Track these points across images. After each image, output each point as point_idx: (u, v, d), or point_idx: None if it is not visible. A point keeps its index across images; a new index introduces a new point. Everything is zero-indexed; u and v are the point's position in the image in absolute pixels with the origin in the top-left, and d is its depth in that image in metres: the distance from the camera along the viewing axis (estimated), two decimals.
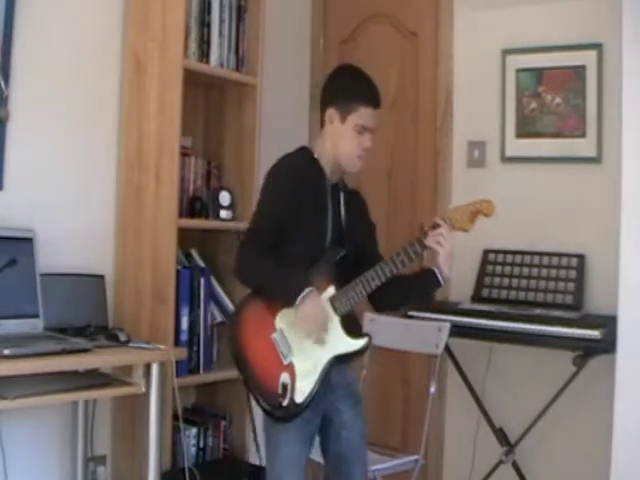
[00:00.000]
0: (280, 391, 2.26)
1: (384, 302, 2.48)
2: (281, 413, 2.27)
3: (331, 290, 2.35)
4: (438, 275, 2.36)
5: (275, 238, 2.31)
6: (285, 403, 2.26)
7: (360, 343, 2.36)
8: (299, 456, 2.33)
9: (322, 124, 2.44)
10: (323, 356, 2.32)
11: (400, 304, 2.57)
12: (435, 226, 2.34)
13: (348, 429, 2.40)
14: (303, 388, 2.28)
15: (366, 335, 2.39)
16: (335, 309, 2.34)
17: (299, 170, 2.37)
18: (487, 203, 2.36)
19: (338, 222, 2.42)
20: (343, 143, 2.38)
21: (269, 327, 2.31)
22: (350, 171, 2.45)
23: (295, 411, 2.27)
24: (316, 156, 2.42)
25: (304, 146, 2.48)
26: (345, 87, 2.40)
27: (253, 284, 2.36)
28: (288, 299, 2.26)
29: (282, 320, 2.31)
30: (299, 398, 2.27)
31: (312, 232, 2.36)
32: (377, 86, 2.42)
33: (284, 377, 2.27)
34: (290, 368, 2.29)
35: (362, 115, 2.36)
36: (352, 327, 2.38)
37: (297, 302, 2.23)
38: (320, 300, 2.29)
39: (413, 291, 2.48)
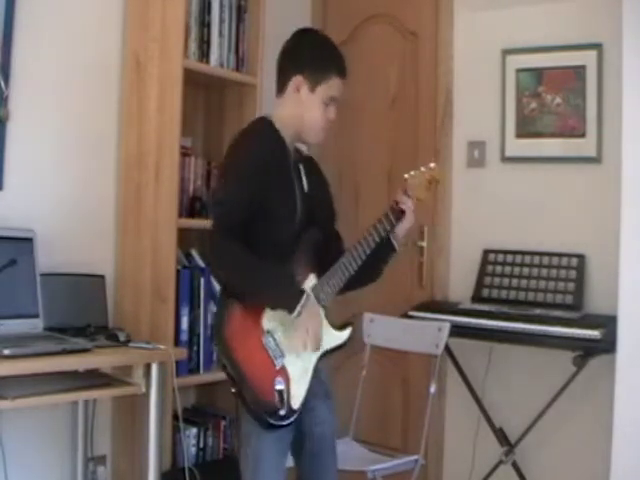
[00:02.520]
0: (277, 399, 2.14)
1: (348, 283, 2.33)
2: (278, 421, 2.15)
3: (312, 279, 2.26)
4: (394, 243, 2.35)
5: (245, 223, 2.14)
6: (283, 412, 2.14)
7: (345, 335, 2.32)
8: (281, 466, 2.25)
9: (280, 91, 2.32)
10: (313, 354, 2.24)
11: (360, 282, 2.39)
12: (397, 202, 2.32)
13: (321, 425, 2.32)
14: (298, 392, 2.19)
15: (349, 324, 2.34)
16: (319, 301, 2.24)
17: (265, 144, 2.23)
18: (436, 169, 2.37)
19: (304, 198, 2.31)
20: (309, 114, 2.27)
21: (257, 330, 2.16)
22: (311, 143, 2.37)
23: (291, 417, 2.18)
24: (278, 127, 2.27)
25: (264, 116, 2.32)
26: (316, 55, 2.29)
27: (234, 287, 2.17)
28: (282, 307, 2.15)
29: (269, 321, 2.18)
30: (295, 404, 2.18)
31: (283, 213, 2.23)
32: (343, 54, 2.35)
33: (278, 383, 2.15)
34: (283, 372, 2.17)
35: (333, 86, 2.27)
36: (330, 317, 2.30)
37: (295, 313, 2.13)
38: (318, 308, 2.21)
39: (372, 265, 2.35)
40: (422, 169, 2.38)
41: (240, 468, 2.26)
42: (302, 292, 2.16)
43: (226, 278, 2.21)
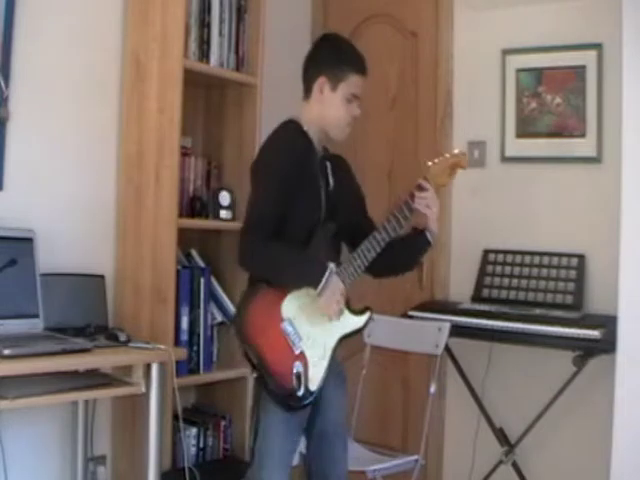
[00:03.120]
0: (295, 381, 2.27)
1: (379, 269, 2.48)
2: (296, 403, 2.28)
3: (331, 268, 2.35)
4: (428, 236, 2.44)
5: (279, 222, 2.29)
6: (301, 393, 2.27)
7: (363, 319, 2.42)
8: (290, 446, 2.36)
9: (307, 94, 2.46)
10: (331, 338, 2.36)
11: (395, 270, 2.59)
12: (420, 188, 2.38)
13: (332, 408, 2.43)
14: (316, 375, 2.31)
15: (367, 309, 2.43)
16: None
17: (292, 147, 2.36)
18: (463, 155, 2.46)
19: (329, 194, 2.44)
20: (333, 111, 2.41)
21: (276, 317, 2.29)
22: (337, 140, 2.48)
23: (309, 398, 2.30)
24: (305, 128, 2.42)
25: (292, 119, 2.45)
26: (335, 56, 2.42)
27: (263, 274, 2.32)
28: (308, 286, 2.29)
29: (288, 308, 2.31)
30: (313, 386, 2.30)
31: (308, 209, 2.36)
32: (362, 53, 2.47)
33: (297, 366, 2.28)
34: (302, 357, 2.30)
35: (353, 83, 2.40)
36: (350, 302, 2.41)
37: (320, 288, 2.26)
38: (339, 281, 2.31)
39: (405, 255, 2.50)
40: (447, 155, 2.46)
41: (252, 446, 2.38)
42: (325, 268, 2.29)
43: (258, 272, 2.35)
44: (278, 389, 2.26)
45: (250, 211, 2.35)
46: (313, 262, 2.32)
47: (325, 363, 2.33)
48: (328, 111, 2.41)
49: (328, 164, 2.48)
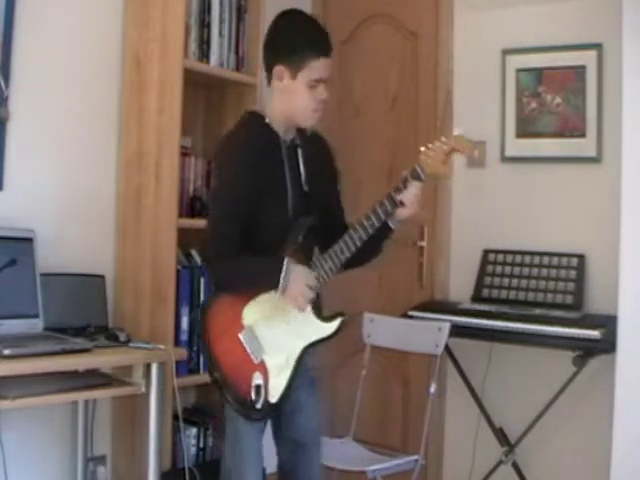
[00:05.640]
0: (253, 394, 2.17)
1: (349, 262, 2.27)
2: (255, 415, 2.20)
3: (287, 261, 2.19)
4: (390, 223, 2.25)
5: (242, 229, 2.16)
6: (259, 406, 2.17)
7: (334, 326, 2.24)
8: (259, 445, 2.28)
9: (269, 81, 2.27)
10: (296, 346, 2.23)
11: (358, 264, 2.34)
12: (409, 178, 2.17)
13: (303, 415, 2.33)
14: (277, 386, 2.20)
15: (340, 315, 2.26)
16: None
17: (252, 146, 2.20)
18: (462, 139, 2.20)
19: (299, 185, 2.27)
20: (297, 100, 2.21)
21: (236, 326, 2.19)
22: (306, 126, 2.30)
23: (269, 411, 2.22)
24: (267, 120, 2.25)
25: (252, 111, 2.31)
26: (291, 40, 2.20)
27: (225, 289, 2.23)
28: (272, 286, 2.14)
29: (250, 314, 2.20)
30: (273, 398, 2.20)
31: (273, 206, 2.22)
32: (325, 30, 2.24)
33: (256, 377, 2.17)
34: (262, 367, 2.19)
35: (314, 69, 2.19)
36: (321, 308, 2.28)
37: (280, 287, 2.12)
38: (299, 269, 2.16)
39: (368, 247, 2.26)
40: (442, 139, 2.20)
41: (224, 447, 2.31)
42: (281, 264, 2.12)
43: (221, 284, 2.26)
44: (236, 400, 2.17)
45: (213, 222, 2.21)
46: (268, 265, 2.17)
47: (288, 373, 2.20)
48: (291, 100, 2.21)
49: (300, 151, 2.29)
